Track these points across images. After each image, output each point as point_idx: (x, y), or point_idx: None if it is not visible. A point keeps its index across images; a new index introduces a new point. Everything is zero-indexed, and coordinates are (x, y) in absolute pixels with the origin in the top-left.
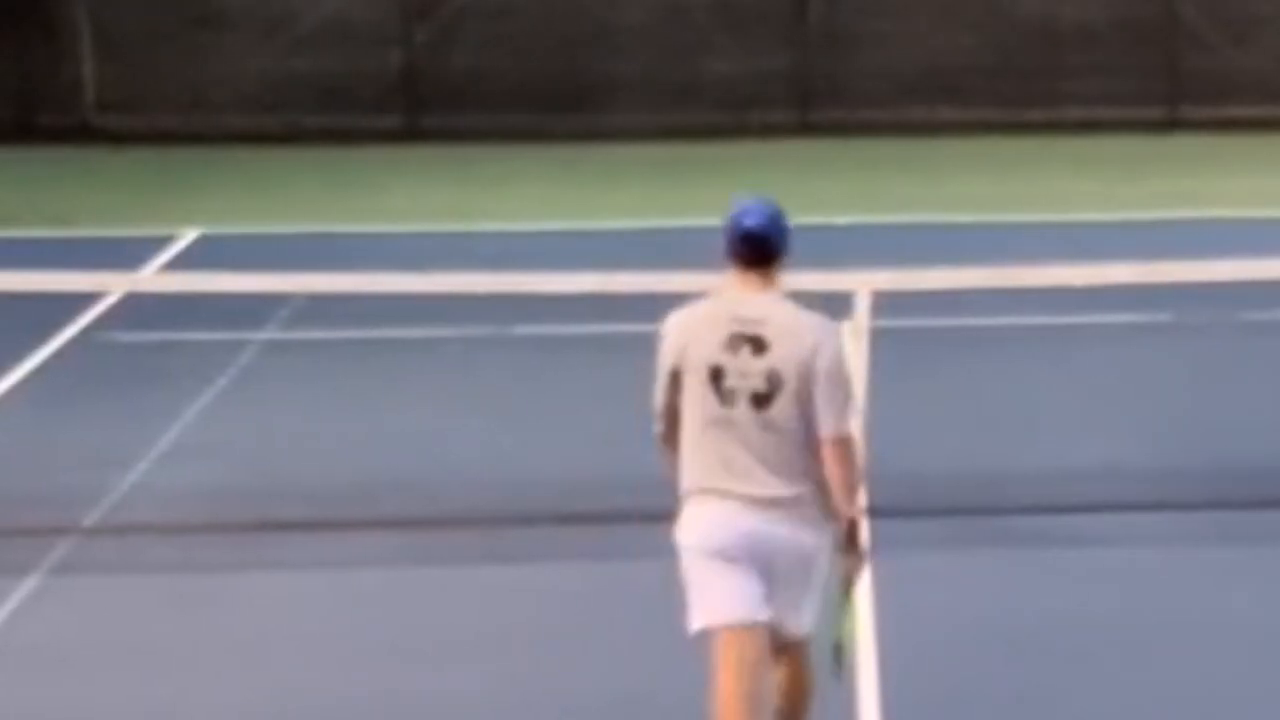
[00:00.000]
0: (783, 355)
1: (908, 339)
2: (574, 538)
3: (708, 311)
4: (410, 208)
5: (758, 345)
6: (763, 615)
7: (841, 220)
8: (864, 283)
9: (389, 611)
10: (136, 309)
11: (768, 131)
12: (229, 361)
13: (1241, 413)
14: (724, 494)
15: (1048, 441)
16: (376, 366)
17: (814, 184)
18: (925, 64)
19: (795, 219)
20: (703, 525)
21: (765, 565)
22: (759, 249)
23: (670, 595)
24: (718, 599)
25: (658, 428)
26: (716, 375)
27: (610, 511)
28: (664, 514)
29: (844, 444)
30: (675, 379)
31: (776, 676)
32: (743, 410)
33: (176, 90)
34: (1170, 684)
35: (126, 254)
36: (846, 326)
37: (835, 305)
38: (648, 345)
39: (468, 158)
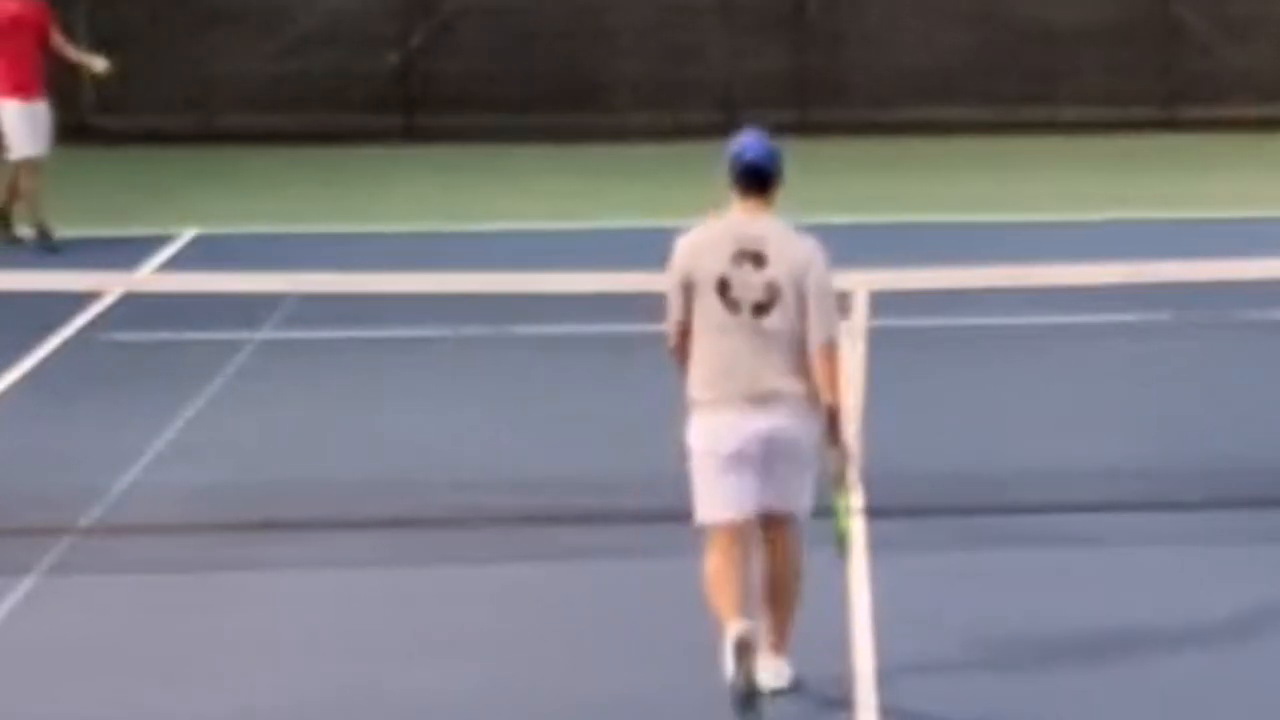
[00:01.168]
0: (779, 270)
1: (906, 339)
2: (573, 537)
3: (714, 232)
4: (407, 208)
5: (758, 261)
6: (754, 508)
7: (839, 220)
8: (862, 282)
9: (387, 611)
10: (134, 309)
11: (766, 131)
12: (226, 361)
13: (1240, 412)
14: (729, 397)
15: (1046, 441)
16: (373, 366)
17: (812, 183)
18: (923, 64)
19: (793, 219)
20: (710, 431)
21: (763, 455)
22: (759, 177)
23: (669, 594)
24: (719, 500)
25: (670, 342)
26: (723, 287)
27: (610, 511)
28: (663, 513)
29: (831, 348)
30: (688, 291)
31: (765, 561)
32: (745, 317)
33: (174, 90)
34: (1170, 682)
35: (124, 254)
36: (844, 327)
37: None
38: (647, 344)
39: (465, 158)
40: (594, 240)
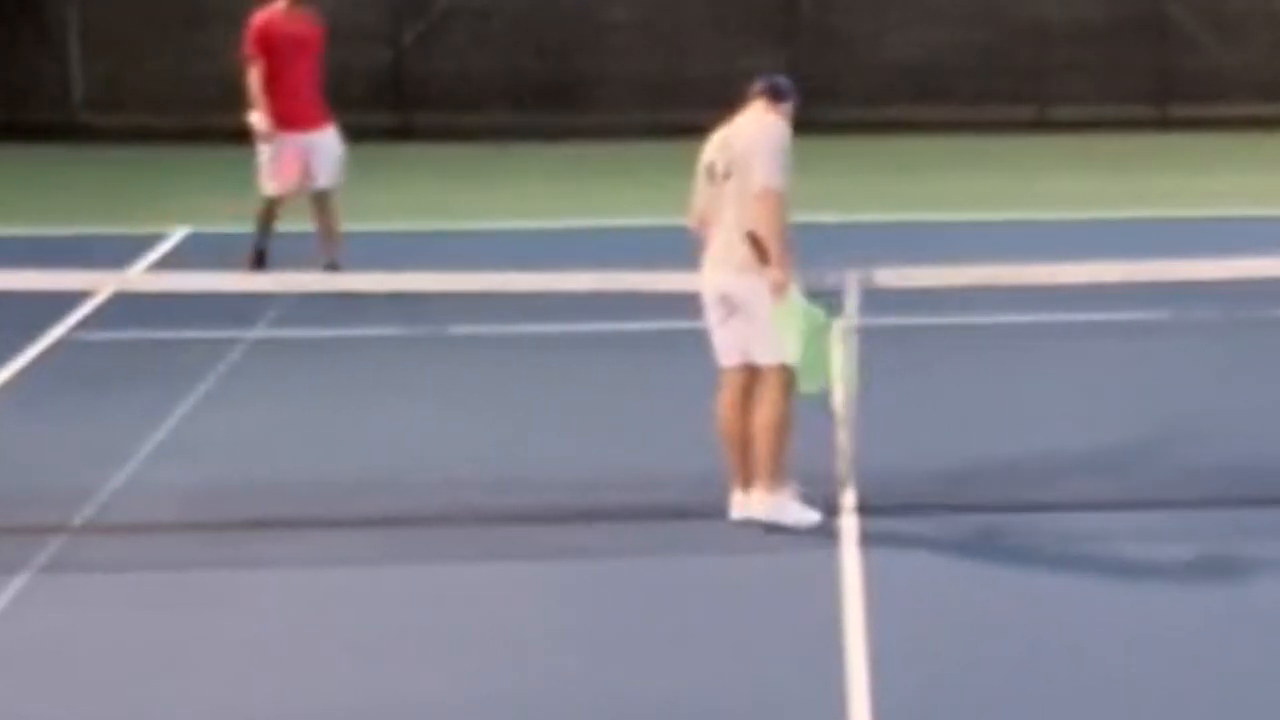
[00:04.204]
0: (738, 146)
1: (900, 338)
2: (569, 536)
3: (721, 130)
4: (399, 206)
5: (728, 145)
6: (742, 356)
7: (832, 219)
8: (856, 281)
9: (381, 610)
10: (125, 308)
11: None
12: (218, 360)
13: (1237, 410)
14: (712, 257)
15: (1041, 440)
16: (366, 365)
17: (805, 182)
18: (916, 62)
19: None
20: (704, 283)
21: (733, 304)
22: (771, 86)
23: (671, 594)
24: (715, 346)
25: (691, 222)
26: (711, 168)
27: (607, 509)
28: (665, 512)
29: (767, 194)
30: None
31: (757, 415)
32: (719, 185)
33: (165, 88)
34: (1168, 682)
35: (115, 252)
36: (838, 324)
37: (827, 302)
38: (640, 343)
39: (457, 156)
40: (587, 238)
